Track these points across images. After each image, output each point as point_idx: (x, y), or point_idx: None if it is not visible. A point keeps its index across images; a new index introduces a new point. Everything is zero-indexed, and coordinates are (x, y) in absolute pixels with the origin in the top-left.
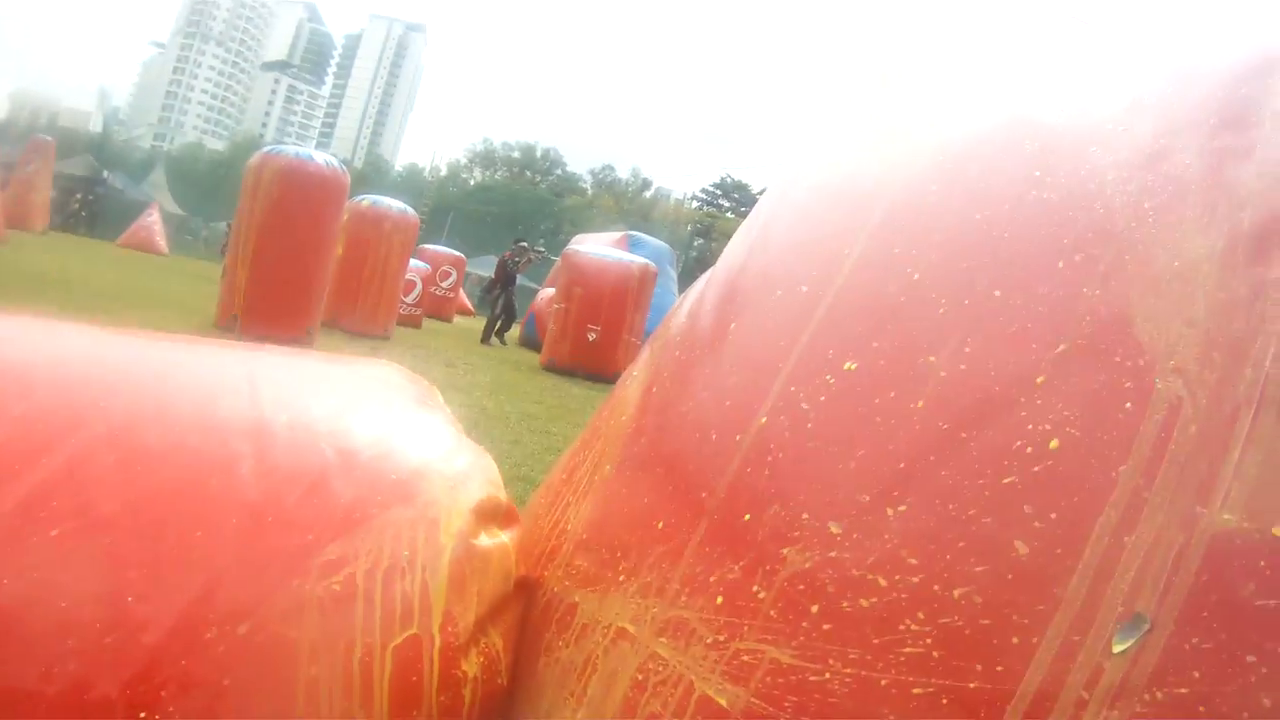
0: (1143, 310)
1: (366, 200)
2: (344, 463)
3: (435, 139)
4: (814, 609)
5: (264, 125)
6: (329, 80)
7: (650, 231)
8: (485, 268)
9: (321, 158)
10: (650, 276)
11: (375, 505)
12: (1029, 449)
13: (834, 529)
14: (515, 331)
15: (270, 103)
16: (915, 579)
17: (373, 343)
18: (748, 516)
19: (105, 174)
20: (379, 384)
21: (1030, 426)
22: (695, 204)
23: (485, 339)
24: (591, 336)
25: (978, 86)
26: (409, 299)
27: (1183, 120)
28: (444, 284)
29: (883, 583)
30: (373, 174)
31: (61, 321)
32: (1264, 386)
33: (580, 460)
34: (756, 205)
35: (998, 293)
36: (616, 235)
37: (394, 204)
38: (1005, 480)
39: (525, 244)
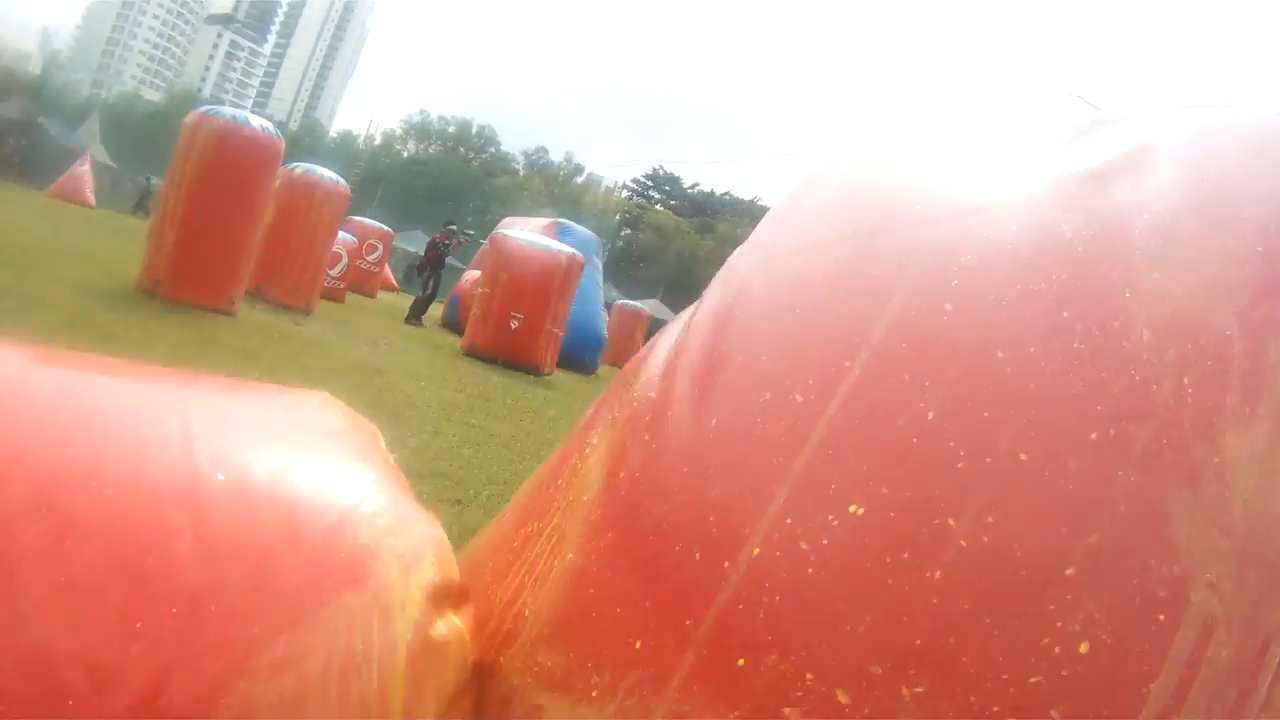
0: (1179, 508)
1: (299, 168)
2: (289, 537)
3: (373, 106)
4: None
5: (203, 79)
6: (271, 38)
7: (579, 218)
8: (411, 242)
9: (258, 122)
10: (577, 267)
11: (325, 590)
12: (1057, 649)
13: (842, 698)
14: (437, 312)
15: (211, 57)
16: None
17: (295, 315)
18: (742, 662)
19: (40, 119)
20: (319, 432)
21: (1059, 624)
22: (625, 193)
23: (410, 319)
24: (514, 324)
25: (994, 178)
26: (334, 272)
27: (1219, 275)
28: (370, 258)
29: None
30: (306, 137)
31: None
32: None
33: (534, 531)
34: (731, 260)
35: (1024, 457)
36: (545, 221)
37: (326, 174)
38: (1031, 680)
39: (455, 227)
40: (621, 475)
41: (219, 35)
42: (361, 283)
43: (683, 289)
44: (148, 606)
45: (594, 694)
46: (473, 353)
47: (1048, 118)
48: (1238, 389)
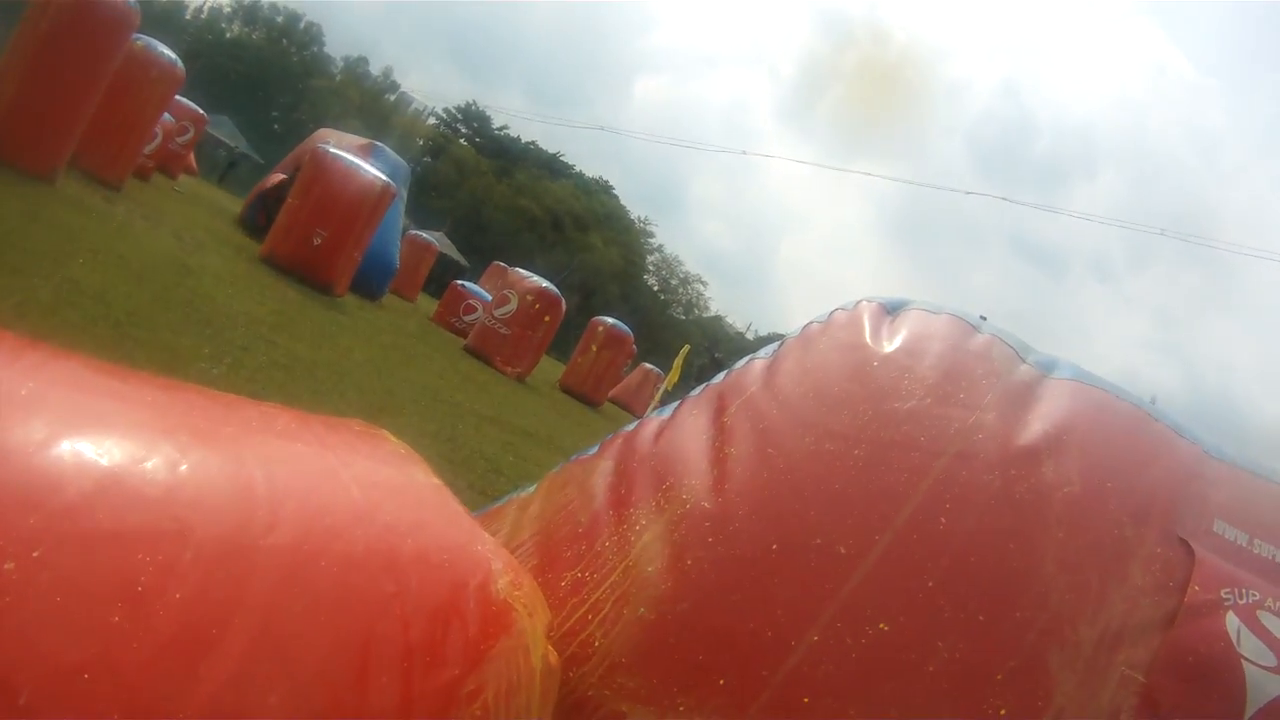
0: (1054, 657)
1: (140, 42)
2: (461, 597)
3: None
4: None
5: None
6: None
7: (383, 137)
8: (218, 129)
9: None
10: (388, 198)
11: (490, 637)
12: (995, 702)
13: None
14: (236, 207)
15: None
16: None
17: (107, 191)
18: (806, 700)
19: None
20: (429, 487)
21: (996, 698)
22: (433, 121)
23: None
24: (317, 241)
25: (970, 429)
26: (146, 150)
27: (1093, 541)
28: (180, 139)
29: None
30: None
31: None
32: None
33: (585, 579)
34: (744, 379)
35: (981, 618)
36: (362, 141)
37: (165, 53)
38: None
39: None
40: (689, 562)
41: None
42: (167, 163)
43: (470, 226)
44: (388, 663)
45: (680, 708)
46: (270, 261)
47: (988, 369)
48: (1093, 603)
